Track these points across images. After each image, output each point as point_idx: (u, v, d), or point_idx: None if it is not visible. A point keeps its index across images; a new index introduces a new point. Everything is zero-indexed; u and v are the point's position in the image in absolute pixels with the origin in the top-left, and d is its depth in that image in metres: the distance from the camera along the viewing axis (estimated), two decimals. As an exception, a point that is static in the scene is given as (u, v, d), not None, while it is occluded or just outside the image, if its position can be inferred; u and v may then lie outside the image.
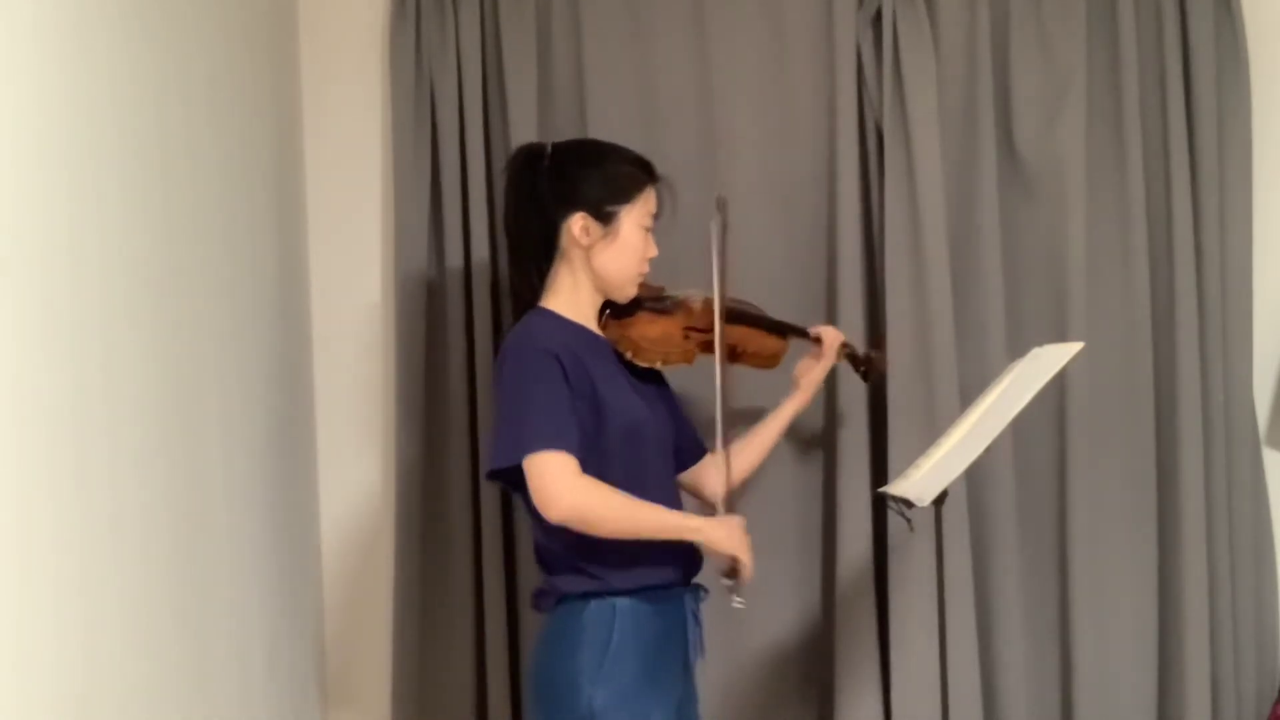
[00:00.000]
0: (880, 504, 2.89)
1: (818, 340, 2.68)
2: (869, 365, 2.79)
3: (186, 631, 2.07)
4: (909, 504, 2.41)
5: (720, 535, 2.34)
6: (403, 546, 2.95)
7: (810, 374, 2.67)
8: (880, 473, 2.93)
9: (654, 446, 2.38)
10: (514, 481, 2.27)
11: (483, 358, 2.93)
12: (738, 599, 2.36)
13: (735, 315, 2.57)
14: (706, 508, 2.53)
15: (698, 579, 2.45)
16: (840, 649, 2.95)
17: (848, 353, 2.74)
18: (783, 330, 2.68)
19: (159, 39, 2.06)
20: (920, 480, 2.44)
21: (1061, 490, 3.00)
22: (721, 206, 2.45)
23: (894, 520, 2.81)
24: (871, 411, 2.97)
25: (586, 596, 2.30)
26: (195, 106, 2.23)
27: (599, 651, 2.27)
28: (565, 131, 2.98)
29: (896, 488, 2.49)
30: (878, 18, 2.95)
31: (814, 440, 3.02)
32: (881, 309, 2.97)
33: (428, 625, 2.95)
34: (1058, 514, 3.01)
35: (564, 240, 2.37)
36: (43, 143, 1.63)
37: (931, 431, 2.76)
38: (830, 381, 2.97)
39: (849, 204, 2.95)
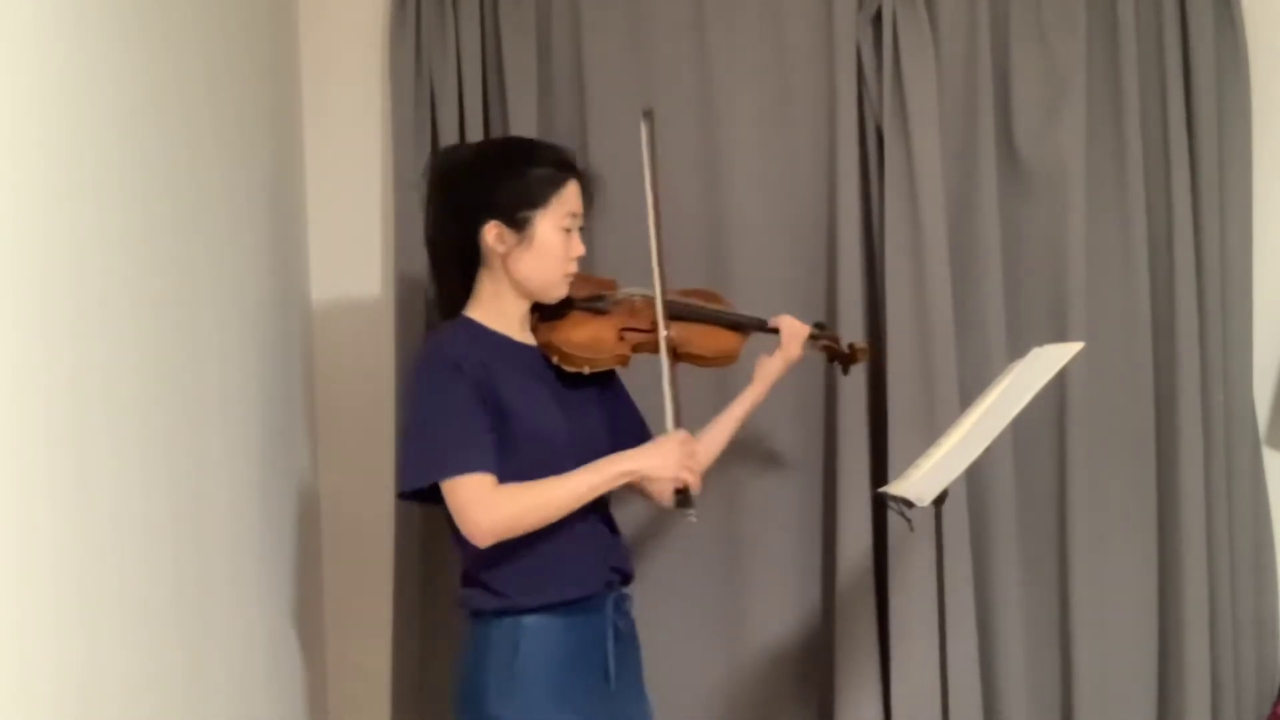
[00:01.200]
0: (880, 504, 2.89)
1: (777, 332, 2.60)
2: (851, 356, 2.71)
3: (186, 631, 2.07)
4: (909, 504, 2.41)
5: (656, 463, 2.28)
6: (403, 546, 2.95)
7: (766, 367, 2.59)
8: (880, 473, 2.93)
9: (569, 455, 2.28)
10: (426, 497, 2.25)
11: (483, 358, 2.92)
12: (690, 514, 2.31)
13: (681, 311, 2.50)
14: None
15: (625, 589, 2.41)
16: (840, 649, 2.95)
17: (823, 345, 2.68)
18: (739, 325, 2.59)
19: (159, 39, 2.06)
20: (920, 480, 2.44)
21: (1061, 490, 3.00)
22: (648, 117, 2.40)
23: (894, 520, 2.81)
24: (871, 411, 2.97)
25: (494, 614, 2.28)
26: (195, 106, 2.23)
27: (504, 670, 2.25)
28: (565, 132, 2.98)
29: (896, 488, 2.49)
30: (878, 18, 2.95)
31: (814, 440, 3.02)
32: (881, 309, 2.97)
33: (428, 625, 2.95)
34: (1058, 514, 3.01)
35: (483, 248, 2.32)
36: (43, 143, 1.63)
37: (931, 431, 2.76)
38: (830, 381, 2.98)
39: (849, 204, 2.95)
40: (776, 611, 3.00)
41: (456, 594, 2.37)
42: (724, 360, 2.56)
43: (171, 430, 2.03)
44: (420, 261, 2.94)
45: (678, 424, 2.34)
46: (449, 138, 2.93)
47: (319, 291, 3.02)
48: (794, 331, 2.60)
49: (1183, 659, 2.97)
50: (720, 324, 2.57)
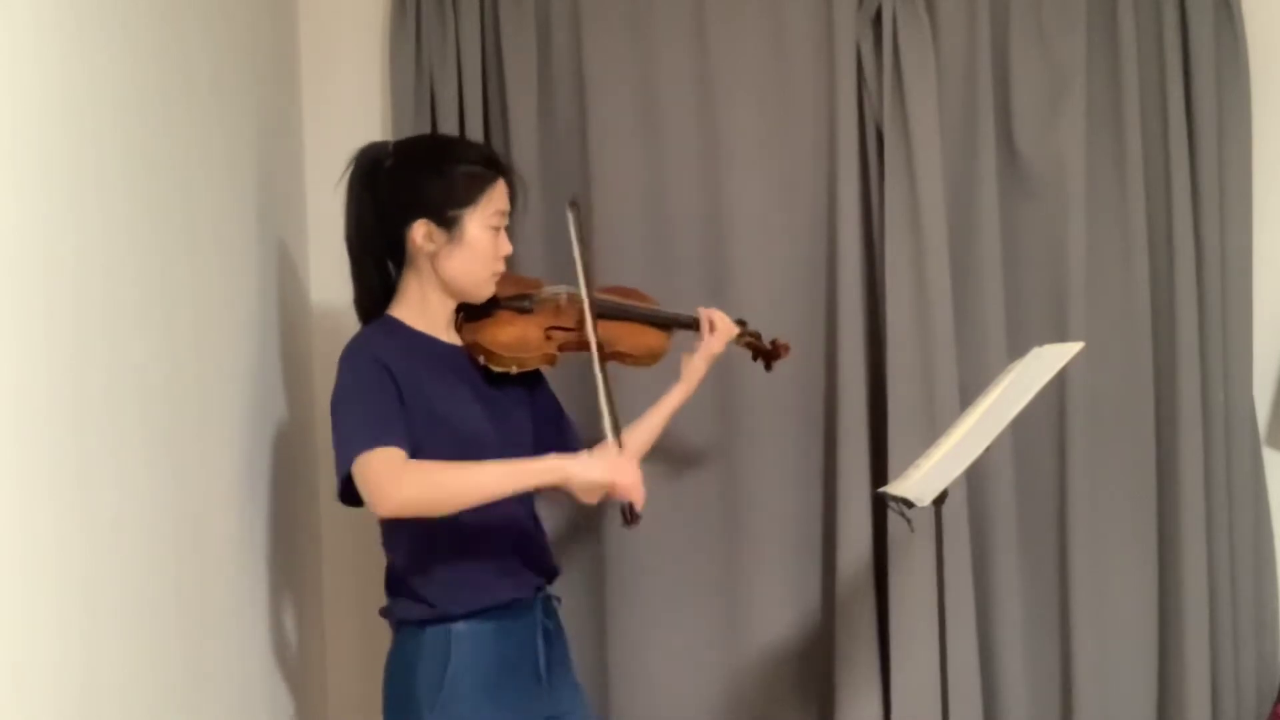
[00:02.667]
0: (880, 504, 2.89)
1: (710, 327, 2.57)
2: (774, 354, 2.70)
3: (186, 631, 2.07)
4: (909, 504, 2.41)
5: (594, 470, 2.18)
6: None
7: (692, 364, 2.56)
8: (880, 473, 2.93)
9: (496, 457, 2.24)
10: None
11: (483, 358, 2.92)
12: (638, 529, 2.26)
13: (608, 310, 2.48)
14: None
15: (550, 589, 2.39)
16: (840, 649, 2.95)
17: (746, 341, 2.66)
18: (664, 323, 2.58)
19: (160, 39, 2.06)
20: (920, 480, 2.44)
21: (1061, 490, 3.00)
22: (575, 206, 2.39)
23: (894, 520, 2.81)
24: (871, 411, 2.97)
25: (422, 623, 2.25)
26: (196, 106, 2.23)
27: (436, 679, 2.23)
28: (565, 131, 2.98)
29: (896, 488, 2.49)
30: (878, 18, 2.95)
31: (814, 441, 3.02)
32: (881, 309, 2.97)
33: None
34: (1058, 514, 3.01)
35: (409, 247, 2.30)
36: (44, 144, 1.63)
37: (931, 431, 2.76)
38: (830, 381, 2.97)
39: (849, 204, 2.95)
40: (776, 611, 3.00)
41: (383, 603, 2.35)
42: (650, 359, 2.54)
43: (172, 430, 2.03)
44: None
45: (615, 427, 2.30)
46: (449, 138, 2.93)
47: (319, 292, 3.02)
48: (722, 327, 2.58)
49: (1183, 659, 2.97)
50: (646, 322, 2.56)
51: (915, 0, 2.94)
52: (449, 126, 2.93)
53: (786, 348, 2.73)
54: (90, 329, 1.74)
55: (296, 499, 2.82)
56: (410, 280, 2.33)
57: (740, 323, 2.65)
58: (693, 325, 2.59)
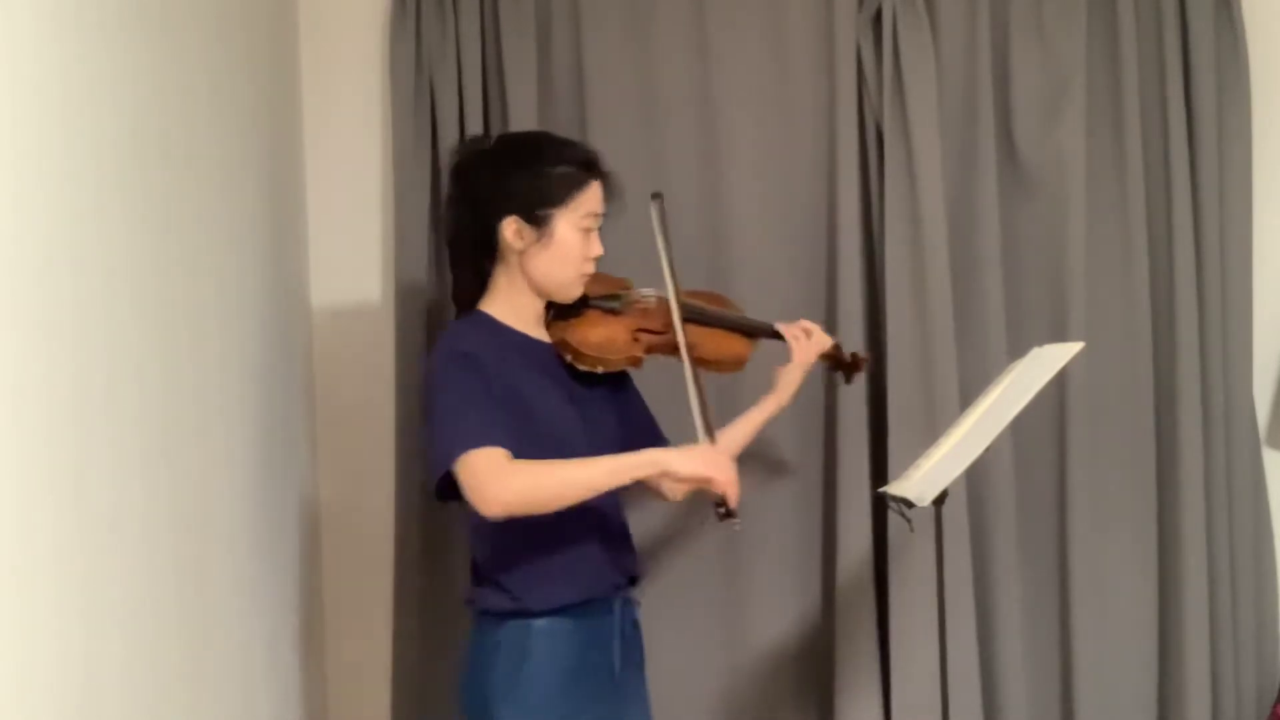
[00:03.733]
0: (880, 504, 2.89)
1: (782, 339, 2.57)
2: (853, 366, 2.69)
3: (186, 631, 2.07)
4: (909, 504, 2.41)
5: (683, 460, 2.19)
6: (402, 548, 2.95)
7: (787, 375, 2.57)
8: (880, 473, 2.93)
9: (585, 454, 2.25)
10: (459, 497, 2.21)
11: (483, 358, 2.92)
12: (735, 524, 2.23)
13: (697, 315, 2.49)
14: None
15: (633, 591, 2.40)
16: (840, 649, 2.95)
17: (827, 354, 2.64)
18: (749, 330, 2.58)
19: (159, 39, 2.06)
20: (920, 480, 2.44)
21: (1061, 490, 3.00)
22: (658, 199, 2.40)
23: (894, 520, 2.81)
24: (871, 411, 2.97)
25: (504, 616, 2.26)
26: (195, 106, 2.23)
27: (512, 672, 2.24)
28: (565, 131, 2.98)
29: (896, 488, 2.49)
30: (878, 18, 2.95)
31: (814, 441, 3.02)
32: (881, 309, 2.97)
33: (428, 626, 2.95)
34: (1058, 514, 3.01)
35: (500, 243, 2.31)
36: (43, 144, 1.63)
37: (931, 431, 2.76)
38: (830, 382, 2.97)
39: (849, 204, 2.96)
40: (776, 611, 3.00)
41: (465, 591, 2.36)
42: (734, 366, 2.54)
43: (171, 430, 2.03)
44: (420, 263, 2.95)
45: (708, 428, 2.30)
46: (449, 137, 2.93)
47: (319, 292, 3.02)
48: (817, 338, 2.57)
49: (1183, 659, 2.97)
50: (732, 329, 2.56)
51: (915, 0, 2.94)
52: (449, 126, 2.93)
53: (865, 360, 2.72)
54: (90, 329, 1.74)
55: (296, 499, 2.82)
56: (501, 276, 2.34)
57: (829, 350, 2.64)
58: (777, 335, 2.58)
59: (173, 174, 2.09)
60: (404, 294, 2.95)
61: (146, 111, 1.99)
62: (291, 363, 2.82)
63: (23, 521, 1.54)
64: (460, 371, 2.21)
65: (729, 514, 2.22)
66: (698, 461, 2.20)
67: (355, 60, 3.02)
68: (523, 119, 2.93)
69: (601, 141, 2.95)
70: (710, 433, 2.30)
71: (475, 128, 2.94)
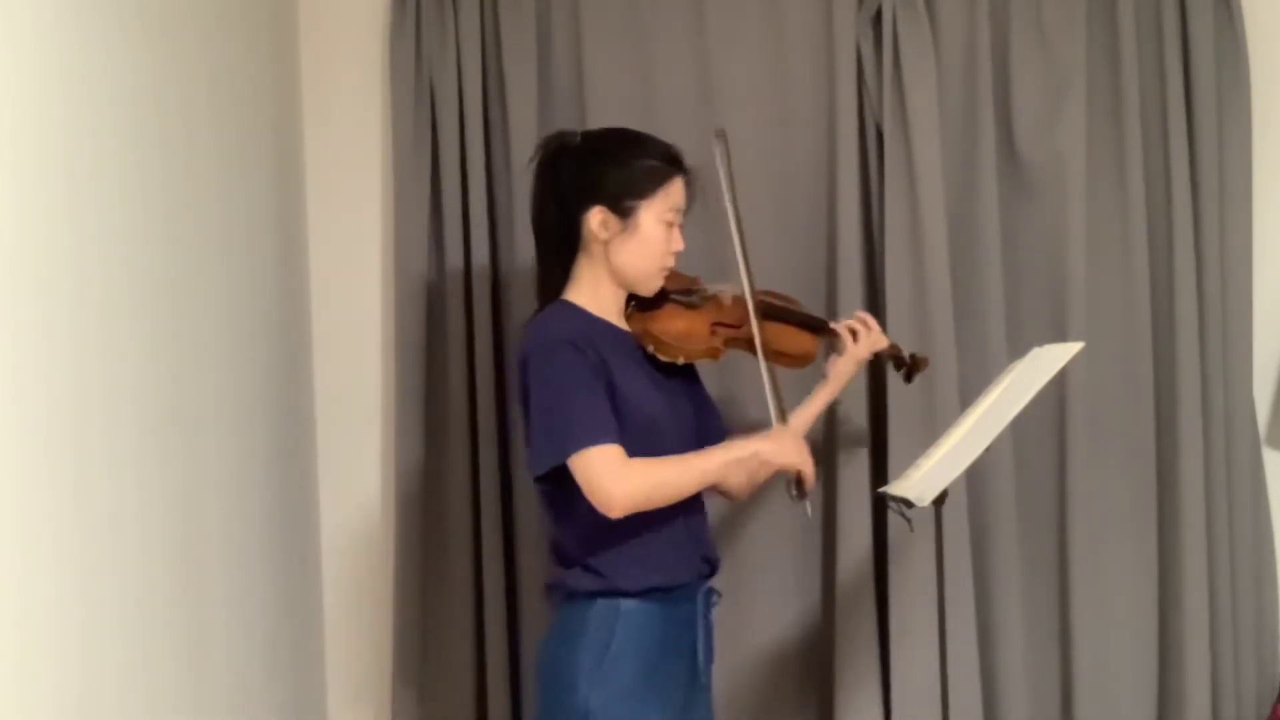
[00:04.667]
0: (880, 504, 2.89)
1: (851, 333, 2.61)
2: (913, 365, 2.70)
3: (186, 631, 2.07)
4: (909, 504, 2.41)
5: (778, 448, 2.30)
6: (402, 546, 2.95)
7: (840, 368, 2.62)
8: (880, 473, 2.93)
9: (673, 442, 2.32)
10: (557, 480, 2.24)
11: (483, 358, 2.93)
12: (807, 504, 2.34)
13: (769, 311, 2.53)
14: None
15: (712, 583, 2.41)
16: (840, 649, 2.95)
17: (891, 352, 2.67)
18: (817, 327, 2.63)
19: (160, 40, 2.06)
20: (920, 480, 2.44)
21: (1061, 490, 3.00)
22: (721, 137, 2.43)
23: (894, 520, 2.81)
24: (871, 411, 2.97)
25: (592, 595, 2.28)
26: (196, 106, 2.23)
27: (599, 652, 2.25)
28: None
29: (896, 488, 2.49)
30: (878, 18, 2.96)
31: (814, 440, 3.01)
32: (882, 309, 2.97)
33: (428, 624, 2.95)
34: (1058, 514, 3.01)
35: (584, 233, 2.34)
36: (43, 143, 1.63)
37: (931, 431, 2.77)
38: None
39: (849, 203, 2.96)
40: (776, 611, 3.00)
41: (549, 575, 2.37)
42: (804, 360, 2.58)
43: (170, 430, 2.03)
44: (420, 262, 2.95)
45: (782, 416, 2.39)
46: (449, 138, 2.93)
47: (319, 292, 3.02)
48: (875, 330, 2.62)
49: (1183, 659, 2.97)
50: (801, 325, 2.61)
51: (915, 0, 2.94)
52: (449, 127, 2.93)
53: (925, 361, 2.73)
54: (90, 330, 1.75)
55: (296, 498, 2.82)
56: (584, 267, 2.37)
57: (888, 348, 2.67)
58: (837, 333, 2.62)
59: (173, 174, 2.09)
60: (404, 293, 2.95)
61: (147, 112, 1.99)
62: (291, 362, 2.82)
63: (23, 521, 1.54)
64: (568, 359, 2.24)
65: (803, 494, 2.33)
66: (789, 449, 2.31)
67: (355, 60, 3.02)
68: (522, 119, 2.93)
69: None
70: (784, 419, 2.41)
71: (475, 128, 2.94)
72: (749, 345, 2.44)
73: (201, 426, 2.19)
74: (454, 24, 2.94)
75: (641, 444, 2.26)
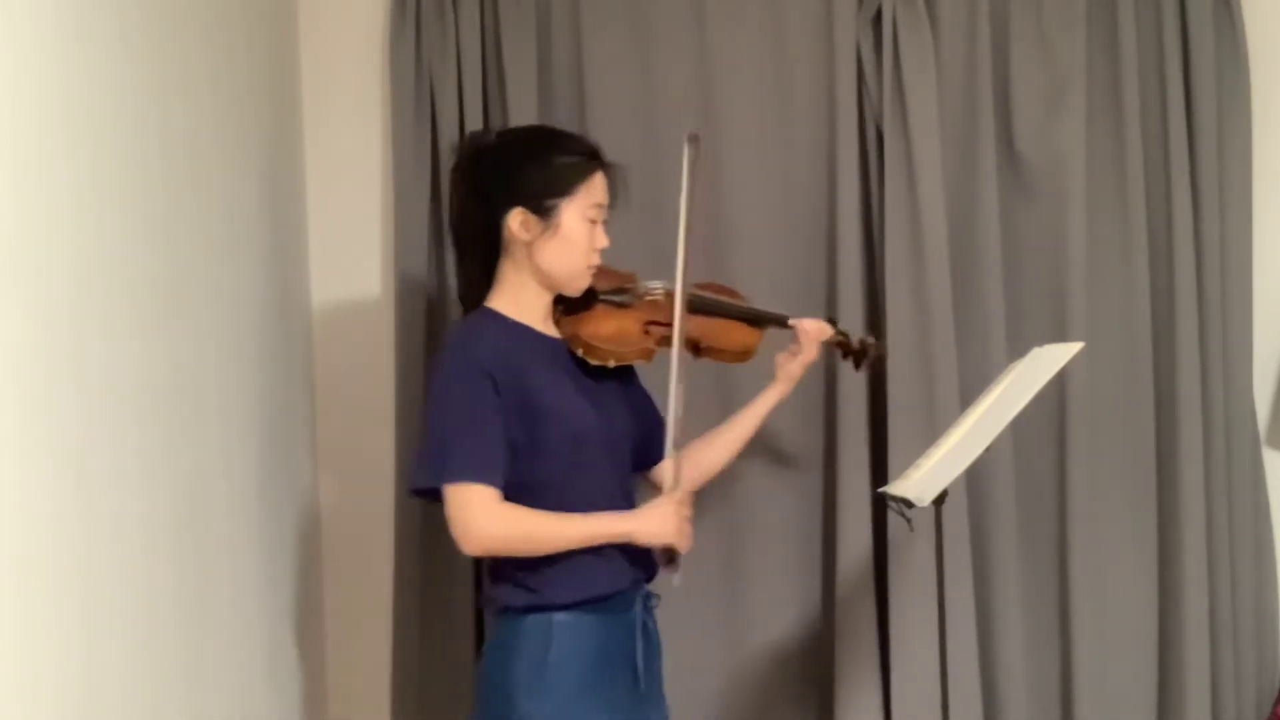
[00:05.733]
0: (880, 504, 2.89)
1: (791, 327, 2.58)
2: (862, 353, 2.70)
3: (186, 632, 2.07)
4: (909, 504, 2.41)
5: (652, 529, 2.29)
6: (402, 547, 2.95)
7: (788, 365, 2.58)
8: (880, 473, 2.93)
9: (601, 450, 2.31)
10: (433, 495, 2.24)
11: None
12: (675, 578, 2.32)
13: (702, 305, 2.49)
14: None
15: (650, 586, 2.41)
16: (840, 649, 2.95)
17: (838, 341, 2.66)
18: (758, 320, 2.59)
19: (160, 40, 2.06)
20: (920, 480, 2.44)
21: (1061, 490, 3.00)
22: (694, 141, 2.40)
23: (894, 520, 2.81)
24: (871, 411, 2.97)
25: (524, 610, 2.27)
26: (196, 106, 2.23)
27: (535, 666, 2.24)
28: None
29: (896, 488, 2.49)
30: (878, 18, 2.95)
31: (814, 440, 3.02)
32: (881, 308, 2.97)
33: (428, 625, 2.95)
34: (1058, 514, 3.01)
35: (506, 236, 2.31)
36: (44, 143, 1.63)
37: (931, 431, 2.76)
38: (830, 380, 2.98)
39: (849, 204, 2.95)
40: (776, 611, 3.00)
41: (485, 591, 2.37)
42: (743, 355, 2.56)
43: (172, 430, 2.03)
44: (420, 262, 2.95)
45: (677, 442, 2.33)
46: (449, 138, 2.93)
47: (319, 291, 3.02)
48: (816, 334, 2.59)
49: (1183, 659, 2.97)
50: (740, 319, 2.57)
51: (915, 0, 2.94)
52: (449, 127, 2.93)
53: (875, 345, 2.72)
54: (91, 329, 1.75)
55: (296, 499, 2.82)
56: (508, 270, 2.34)
57: (831, 321, 2.66)
58: (783, 324, 2.60)
59: (173, 174, 2.09)
60: (404, 293, 2.95)
61: (147, 112, 1.99)
62: (292, 362, 2.82)
63: (23, 521, 1.54)
64: (471, 385, 2.22)
65: (672, 564, 2.30)
66: (666, 529, 2.29)
67: (355, 60, 3.02)
68: (523, 119, 2.93)
69: (601, 141, 2.94)
70: (677, 449, 2.34)
71: (475, 127, 2.93)
72: (685, 344, 2.39)
73: (202, 426, 2.19)
74: (454, 24, 2.94)
75: (567, 452, 2.25)
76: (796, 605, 3.01)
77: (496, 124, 2.96)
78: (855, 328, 2.87)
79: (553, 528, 2.24)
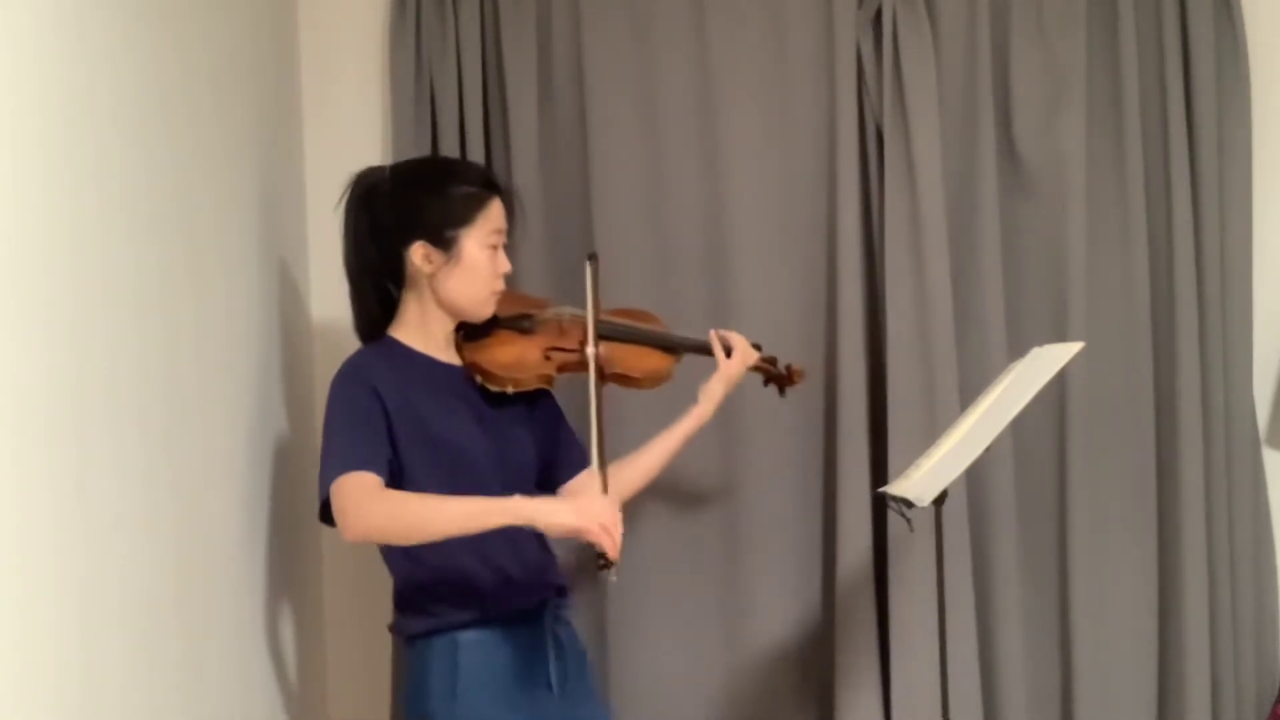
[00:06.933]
0: (880, 504, 2.89)
1: (711, 353, 2.56)
2: (787, 379, 2.69)
3: (186, 632, 2.07)
4: (909, 504, 2.41)
5: (560, 517, 2.11)
6: (403, 546, 2.95)
7: (710, 389, 2.55)
8: (880, 473, 2.93)
9: (495, 477, 2.28)
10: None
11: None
12: (611, 575, 2.17)
13: (612, 331, 2.48)
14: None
15: (563, 601, 2.40)
16: (840, 649, 2.95)
17: (761, 366, 2.64)
18: (670, 346, 2.57)
19: (161, 39, 2.06)
20: (920, 480, 2.44)
21: (1061, 490, 3.00)
22: (594, 260, 2.38)
23: (894, 520, 2.81)
24: (871, 412, 2.97)
25: (429, 635, 2.27)
26: (196, 105, 2.23)
27: (449, 687, 2.24)
28: (565, 131, 2.98)
29: (896, 488, 2.49)
30: (878, 18, 2.96)
31: (814, 441, 3.02)
32: (881, 309, 2.97)
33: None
34: (1058, 514, 3.01)
35: (408, 269, 2.32)
36: (43, 142, 1.63)
37: (931, 431, 2.77)
38: (831, 380, 2.98)
39: (849, 204, 2.96)
40: (776, 611, 3.00)
41: (392, 619, 2.37)
42: (653, 381, 2.53)
43: (172, 430, 2.03)
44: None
45: (601, 460, 2.28)
46: (449, 138, 2.93)
47: (319, 293, 3.02)
48: (740, 349, 2.57)
49: (1183, 659, 2.97)
50: (651, 344, 2.55)
51: (915, 0, 2.94)
52: (449, 127, 2.93)
53: (801, 373, 2.72)
54: (90, 330, 1.74)
55: (296, 504, 2.81)
56: (410, 301, 2.35)
57: (756, 346, 2.63)
58: (703, 350, 2.58)
59: (173, 175, 2.09)
60: (404, 294, 2.95)
61: (147, 112, 1.99)
62: (292, 361, 2.82)
63: (23, 521, 1.54)
64: (347, 395, 2.24)
65: (605, 564, 2.14)
66: (565, 513, 2.13)
67: (355, 60, 3.02)
68: (523, 119, 2.94)
69: (602, 142, 2.96)
70: (603, 466, 2.28)
71: (475, 128, 2.94)
72: (586, 369, 2.36)
73: (202, 427, 2.19)
74: (454, 24, 2.94)
75: (459, 480, 2.22)
76: (797, 605, 3.01)
77: (497, 124, 2.97)
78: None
79: (433, 507, 2.15)
